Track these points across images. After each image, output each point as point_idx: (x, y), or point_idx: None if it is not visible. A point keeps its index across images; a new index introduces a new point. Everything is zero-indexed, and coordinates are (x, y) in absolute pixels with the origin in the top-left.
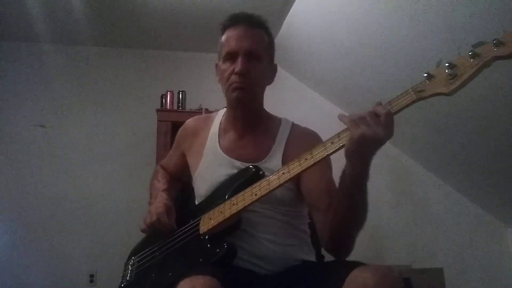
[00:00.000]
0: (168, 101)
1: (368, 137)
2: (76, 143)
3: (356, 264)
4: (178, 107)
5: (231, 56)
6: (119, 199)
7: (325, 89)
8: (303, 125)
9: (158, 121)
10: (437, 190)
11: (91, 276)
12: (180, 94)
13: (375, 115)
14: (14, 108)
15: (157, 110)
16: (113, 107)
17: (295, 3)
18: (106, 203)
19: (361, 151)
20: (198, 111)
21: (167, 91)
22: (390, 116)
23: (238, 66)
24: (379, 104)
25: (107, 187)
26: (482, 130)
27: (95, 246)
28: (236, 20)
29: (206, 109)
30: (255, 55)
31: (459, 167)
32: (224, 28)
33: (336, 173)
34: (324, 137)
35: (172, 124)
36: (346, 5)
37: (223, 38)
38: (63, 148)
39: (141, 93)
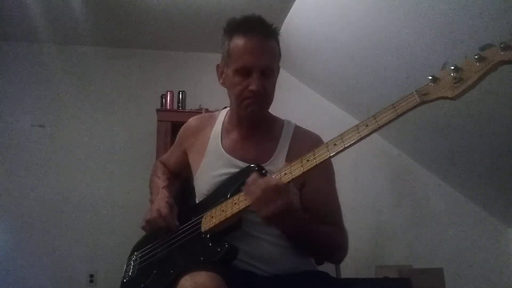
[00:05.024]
0: (168, 101)
1: (270, 217)
2: (76, 143)
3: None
4: (178, 107)
5: (245, 72)
6: (119, 199)
7: (325, 89)
8: (302, 125)
9: (158, 121)
10: (437, 190)
11: (91, 276)
12: (180, 94)
13: (270, 190)
14: (14, 108)
15: (157, 110)
16: (113, 107)
17: (295, 3)
18: (106, 203)
19: (278, 223)
20: (198, 111)
21: (167, 91)
22: (278, 188)
23: (253, 84)
24: (277, 171)
25: (107, 187)
26: (482, 130)
27: (95, 246)
28: (249, 28)
29: (206, 109)
30: (269, 70)
31: (459, 167)
32: (235, 31)
33: (337, 175)
34: (324, 136)
35: (172, 124)
36: (346, 5)
37: (234, 45)
38: (63, 148)
39: (141, 93)
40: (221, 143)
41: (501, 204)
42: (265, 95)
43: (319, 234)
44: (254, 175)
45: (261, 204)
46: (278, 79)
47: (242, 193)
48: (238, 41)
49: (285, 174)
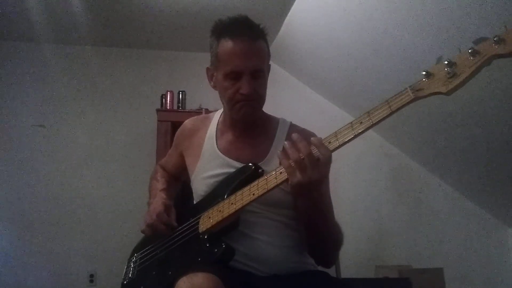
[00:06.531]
0: (168, 101)
1: (305, 184)
2: (76, 143)
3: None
4: (178, 107)
5: (235, 75)
6: (119, 199)
7: (325, 89)
8: (302, 124)
9: (158, 121)
10: (437, 190)
11: (91, 276)
12: (180, 94)
13: (313, 156)
14: (14, 108)
15: (157, 110)
16: (113, 107)
17: (295, 3)
18: (106, 203)
19: (303, 193)
20: (198, 111)
21: (167, 91)
22: (328, 157)
23: (244, 88)
24: (319, 140)
25: (107, 187)
26: (482, 130)
27: (95, 246)
28: (236, 30)
29: (206, 109)
30: (259, 72)
31: (459, 167)
32: (222, 34)
33: (332, 172)
34: (323, 136)
35: (172, 124)
36: (346, 5)
37: (222, 48)
38: (63, 148)
39: (141, 93)
40: (216, 144)
41: (501, 204)
42: (257, 97)
43: (329, 215)
44: (296, 135)
45: (297, 169)
46: (278, 78)
47: (241, 191)
48: (226, 45)
49: (281, 173)
